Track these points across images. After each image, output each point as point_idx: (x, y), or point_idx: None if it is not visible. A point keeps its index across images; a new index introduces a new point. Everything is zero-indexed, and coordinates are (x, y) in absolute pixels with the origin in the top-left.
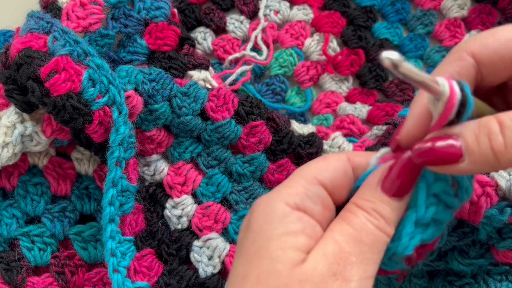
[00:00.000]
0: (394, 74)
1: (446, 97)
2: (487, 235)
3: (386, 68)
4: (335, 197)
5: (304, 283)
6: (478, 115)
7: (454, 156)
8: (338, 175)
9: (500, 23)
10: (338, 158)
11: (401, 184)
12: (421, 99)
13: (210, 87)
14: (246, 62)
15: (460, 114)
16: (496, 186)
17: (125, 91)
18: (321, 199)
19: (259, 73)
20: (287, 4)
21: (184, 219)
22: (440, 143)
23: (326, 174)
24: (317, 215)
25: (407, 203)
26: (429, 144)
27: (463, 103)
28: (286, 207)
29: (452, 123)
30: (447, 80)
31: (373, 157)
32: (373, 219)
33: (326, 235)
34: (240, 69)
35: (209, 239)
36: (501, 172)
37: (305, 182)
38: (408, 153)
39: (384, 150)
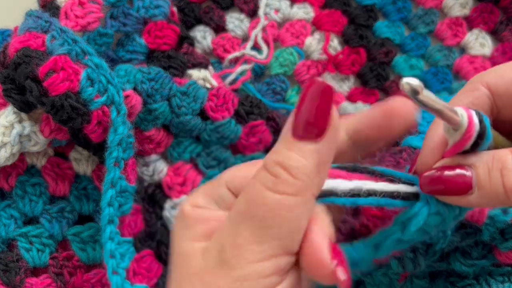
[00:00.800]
0: (414, 100)
1: (464, 128)
2: (490, 236)
3: (406, 94)
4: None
5: (192, 278)
6: (494, 146)
7: (463, 187)
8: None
9: (501, 22)
10: (254, 163)
11: (314, 118)
12: (437, 128)
13: (209, 86)
14: (246, 61)
15: (476, 145)
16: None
17: (124, 90)
18: (227, 203)
19: (259, 73)
20: (288, 2)
21: None
22: (449, 172)
23: (235, 179)
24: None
25: (332, 144)
26: (438, 173)
27: (480, 135)
28: (188, 207)
29: (465, 152)
30: (465, 111)
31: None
32: (271, 178)
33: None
34: (240, 68)
35: None
36: None
37: (214, 186)
38: (318, 79)
39: None
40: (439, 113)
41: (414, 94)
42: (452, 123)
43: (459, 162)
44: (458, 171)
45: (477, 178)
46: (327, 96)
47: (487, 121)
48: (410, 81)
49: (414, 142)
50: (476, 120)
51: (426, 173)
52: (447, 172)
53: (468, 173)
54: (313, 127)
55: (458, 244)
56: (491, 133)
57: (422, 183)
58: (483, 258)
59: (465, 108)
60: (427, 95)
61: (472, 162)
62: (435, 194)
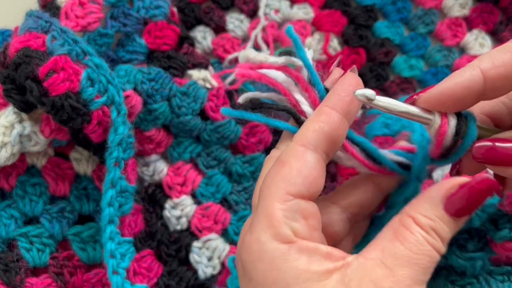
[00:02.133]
0: (373, 105)
1: (437, 125)
2: (484, 227)
3: (363, 105)
4: (319, 189)
5: None
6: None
7: None
8: (308, 172)
9: (501, 23)
10: (295, 157)
11: (467, 206)
12: (458, 77)
13: (209, 86)
14: None
15: (456, 143)
16: (486, 170)
17: (124, 90)
18: (301, 214)
19: None
20: (288, 3)
21: (184, 219)
22: (500, 144)
23: (297, 180)
24: (304, 230)
25: (463, 224)
26: (489, 143)
27: (458, 132)
28: (280, 245)
29: (454, 147)
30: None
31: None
32: (431, 239)
33: (370, 256)
34: None
35: (208, 240)
36: None
37: (280, 204)
38: (484, 175)
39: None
40: (406, 114)
41: (369, 101)
42: (422, 122)
43: (509, 136)
44: (509, 144)
45: None
46: (488, 194)
47: (472, 119)
48: (362, 91)
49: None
50: (451, 118)
51: (478, 144)
52: (498, 144)
53: None
54: (465, 213)
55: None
56: (475, 131)
57: (475, 152)
58: (479, 251)
59: (442, 112)
60: (384, 100)
61: None
62: (486, 163)
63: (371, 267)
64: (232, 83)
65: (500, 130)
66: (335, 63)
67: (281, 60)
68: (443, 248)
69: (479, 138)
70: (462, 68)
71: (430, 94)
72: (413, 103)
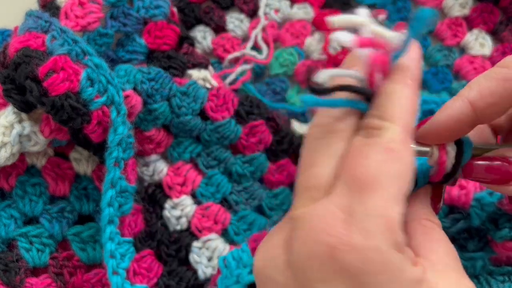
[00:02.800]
0: None
1: (436, 158)
2: (480, 221)
3: None
4: None
5: None
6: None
7: (507, 175)
8: (413, 165)
9: (501, 22)
10: (407, 143)
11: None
12: (458, 104)
13: (209, 86)
14: (246, 61)
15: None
16: None
17: (123, 90)
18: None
19: (259, 73)
20: (288, 2)
21: (184, 219)
22: (498, 162)
23: (409, 179)
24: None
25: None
26: (486, 162)
27: (458, 159)
28: (399, 256)
29: (454, 173)
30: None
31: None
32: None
33: (431, 257)
34: (240, 68)
35: (208, 240)
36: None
37: (399, 208)
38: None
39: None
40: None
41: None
42: (423, 155)
43: (503, 154)
44: (504, 163)
45: None
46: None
47: (468, 145)
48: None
49: None
50: (449, 149)
51: (475, 162)
52: (495, 162)
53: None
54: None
55: (449, 231)
56: (470, 155)
57: (468, 172)
58: (480, 251)
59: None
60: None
61: None
62: (481, 181)
63: (442, 268)
64: (232, 83)
65: (496, 146)
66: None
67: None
68: None
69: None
70: (453, 98)
71: (426, 130)
72: None
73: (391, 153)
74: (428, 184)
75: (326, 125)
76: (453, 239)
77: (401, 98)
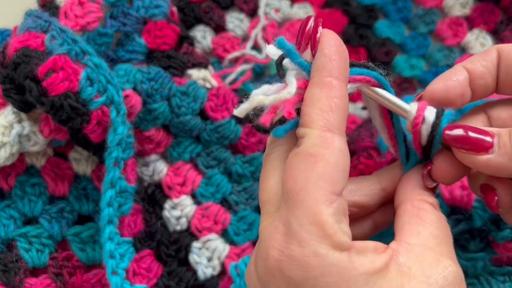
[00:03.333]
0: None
1: (412, 117)
2: (482, 223)
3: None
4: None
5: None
6: None
7: (484, 145)
8: (344, 163)
9: (502, 22)
10: (327, 144)
11: None
12: (458, 73)
13: (209, 86)
14: (246, 61)
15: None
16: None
17: (123, 90)
18: (343, 212)
19: (259, 72)
20: (288, 2)
21: (183, 220)
22: (473, 134)
23: (338, 176)
24: (348, 231)
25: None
26: (462, 131)
27: (434, 128)
28: (342, 255)
29: (429, 147)
30: (419, 103)
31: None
32: (441, 213)
33: (410, 241)
34: (240, 68)
35: (208, 240)
36: None
37: (328, 208)
38: None
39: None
40: (387, 102)
41: (365, 87)
42: (402, 114)
43: (484, 127)
44: (482, 136)
45: (499, 139)
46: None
47: (447, 114)
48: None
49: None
50: (428, 113)
51: (451, 131)
52: (471, 133)
53: (489, 138)
54: None
55: (452, 233)
56: (445, 124)
57: (446, 137)
58: (481, 251)
59: (422, 103)
60: (380, 92)
61: (496, 131)
62: (456, 147)
63: (420, 251)
64: (232, 82)
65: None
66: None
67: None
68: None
69: None
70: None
71: (433, 89)
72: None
73: (312, 158)
74: (421, 164)
75: (273, 141)
76: (455, 240)
77: (319, 100)
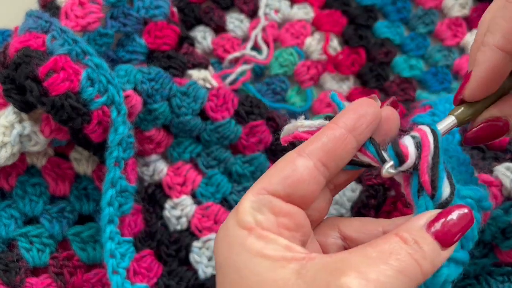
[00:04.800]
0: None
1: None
2: (492, 235)
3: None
4: (301, 193)
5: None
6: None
7: (501, 130)
8: (290, 173)
9: None
10: (285, 160)
11: (449, 232)
12: (486, 55)
13: (209, 86)
14: (246, 62)
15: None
16: (501, 186)
17: (124, 90)
18: (270, 209)
19: (259, 73)
20: (288, 3)
21: (184, 219)
22: (489, 123)
23: (275, 179)
24: (270, 224)
25: (450, 254)
26: (478, 127)
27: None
28: (240, 231)
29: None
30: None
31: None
32: (410, 249)
33: (335, 256)
34: (240, 69)
35: (208, 240)
36: (505, 171)
37: (252, 197)
38: (465, 210)
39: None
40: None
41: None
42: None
43: (494, 115)
44: (496, 122)
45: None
46: (471, 224)
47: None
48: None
49: (420, 119)
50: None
51: (471, 131)
52: (485, 124)
53: (501, 122)
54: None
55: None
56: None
57: (466, 138)
58: (484, 257)
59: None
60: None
61: (505, 113)
62: (479, 142)
63: (332, 262)
64: (232, 83)
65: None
66: (387, 102)
67: (317, 122)
68: (425, 263)
69: (462, 123)
70: (480, 49)
71: (471, 89)
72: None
73: (273, 165)
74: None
75: None
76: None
77: (321, 137)
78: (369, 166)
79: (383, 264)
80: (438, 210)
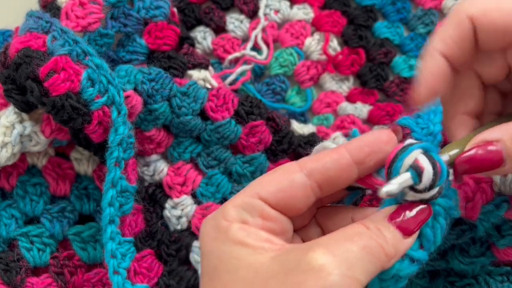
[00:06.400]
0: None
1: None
2: (486, 232)
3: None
4: (291, 207)
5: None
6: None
7: (496, 161)
8: (285, 187)
9: None
10: (285, 171)
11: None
12: (432, 60)
13: (209, 86)
14: (246, 62)
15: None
16: (491, 182)
17: (124, 91)
18: (259, 213)
19: (259, 73)
20: (287, 3)
21: (184, 219)
22: (480, 151)
23: (270, 188)
24: (254, 225)
25: (411, 244)
26: (471, 152)
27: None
28: (224, 222)
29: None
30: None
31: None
32: (373, 233)
33: (307, 243)
34: (240, 69)
35: None
36: None
37: (244, 197)
38: (425, 206)
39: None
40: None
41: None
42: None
43: (485, 138)
44: (489, 148)
45: (507, 150)
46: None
47: (442, 165)
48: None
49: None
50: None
51: (461, 157)
52: (479, 151)
53: (497, 147)
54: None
55: (455, 242)
56: (445, 172)
57: (458, 164)
58: (481, 256)
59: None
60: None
61: (498, 137)
62: (472, 172)
63: (303, 245)
64: (232, 83)
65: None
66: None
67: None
68: (388, 247)
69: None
70: (425, 54)
71: (418, 95)
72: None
73: (272, 170)
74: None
75: None
76: (455, 244)
77: (327, 160)
78: (362, 189)
79: (347, 242)
80: (399, 205)
